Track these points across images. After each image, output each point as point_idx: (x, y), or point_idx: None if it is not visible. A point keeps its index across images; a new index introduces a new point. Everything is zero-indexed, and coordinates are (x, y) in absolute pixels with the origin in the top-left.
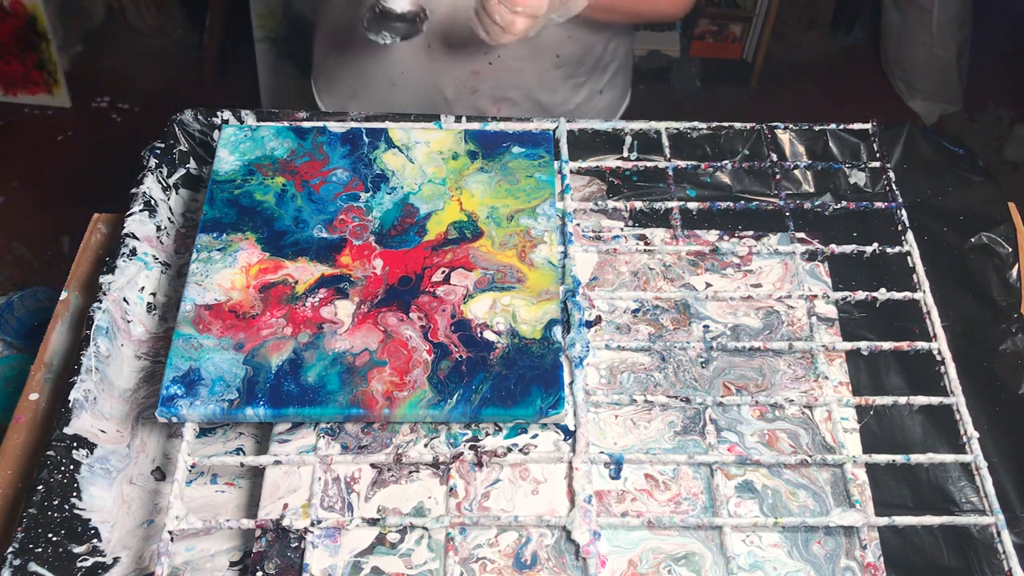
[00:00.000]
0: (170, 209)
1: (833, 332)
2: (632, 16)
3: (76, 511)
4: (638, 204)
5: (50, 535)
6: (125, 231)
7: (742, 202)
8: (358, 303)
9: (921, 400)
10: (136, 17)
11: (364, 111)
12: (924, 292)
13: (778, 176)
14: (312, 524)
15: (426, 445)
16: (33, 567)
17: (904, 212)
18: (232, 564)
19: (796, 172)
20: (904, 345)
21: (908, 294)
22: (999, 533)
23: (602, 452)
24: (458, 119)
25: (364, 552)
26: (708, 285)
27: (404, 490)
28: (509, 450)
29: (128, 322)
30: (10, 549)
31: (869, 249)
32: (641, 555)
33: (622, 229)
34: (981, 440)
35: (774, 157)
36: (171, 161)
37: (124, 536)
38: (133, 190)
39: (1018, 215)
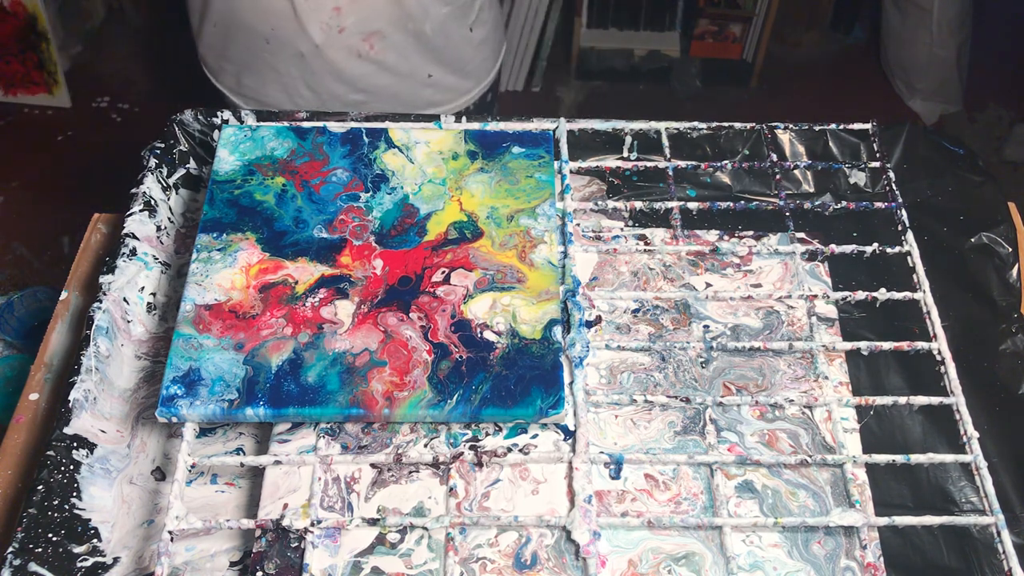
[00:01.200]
0: (170, 209)
1: (833, 332)
2: None
3: (76, 511)
4: (638, 204)
5: (50, 535)
6: (125, 231)
7: (742, 202)
8: (358, 303)
9: (921, 400)
10: (136, 17)
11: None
12: (924, 292)
13: (778, 176)
14: (312, 524)
15: (426, 445)
16: (33, 567)
17: (904, 212)
18: (232, 564)
19: (796, 172)
20: (904, 345)
21: (908, 294)
22: (999, 533)
23: (602, 452)
24: (458, 119)
25: (364, 552)
26: (708, 285)
27: (404, 490)
28: (509, 450)
29: (128, 322)
30: (10, 549)
31: (869, 249)
32: (641, 555)
33: (622, 229)
34: (981, 440)
35: (774, 157)
36: (171, 161)
37: (124, 536)
38: (133, 190)
39: (1018, 215)
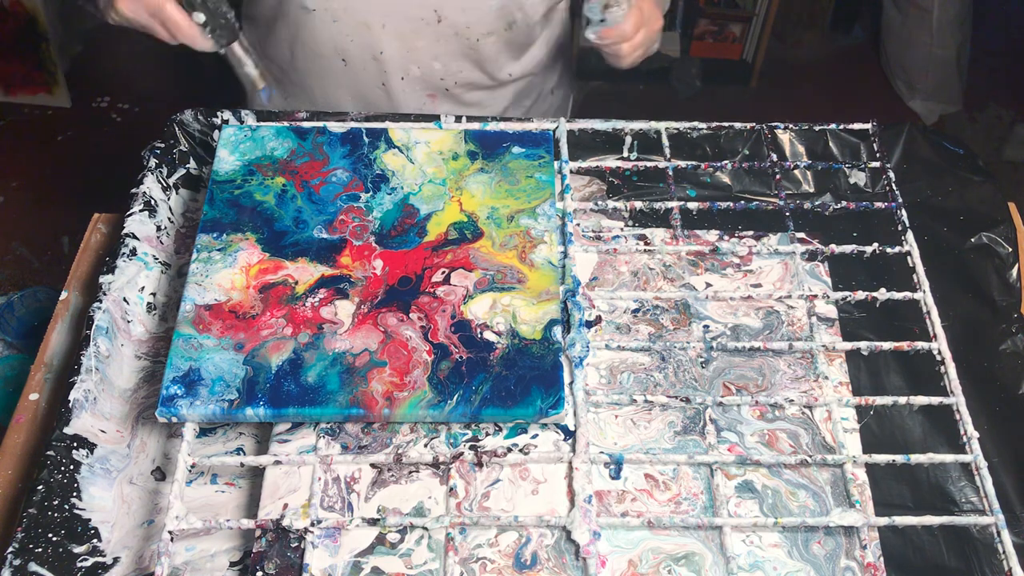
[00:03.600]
0: (170, 209)
1: (833, 332)
2: None
3: (76, 511)
4: (638, 204)
5: (50, 535)
6: (125, 231)
7: (742, 202)
8: (358, 303)
9: (921, 400)
10: None
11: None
12: (924, 292)
13: (778, 176)
14: (312, 524)
15: (426, 445)
16: (33, 567)
17: (904, 212)
18: (232, 564)
19: (796, 172)
20: (904, 345)
21: (908, 294)
22: (999, 533)
23: (602, 452)
24: (458, 119)
25: (364, 552)
26: (708, 285)
27: (404, 490)
28: (509, 450)
29: (128, 322)
30: (10, 549)
31: (869, 249)
32: (641, 555)
33: (622, 229)
34: (981, 440)
35: (774, 157)
36: (171, 161)
37: (124, 536)
38: (133, 190)
39: (1018, 215)
